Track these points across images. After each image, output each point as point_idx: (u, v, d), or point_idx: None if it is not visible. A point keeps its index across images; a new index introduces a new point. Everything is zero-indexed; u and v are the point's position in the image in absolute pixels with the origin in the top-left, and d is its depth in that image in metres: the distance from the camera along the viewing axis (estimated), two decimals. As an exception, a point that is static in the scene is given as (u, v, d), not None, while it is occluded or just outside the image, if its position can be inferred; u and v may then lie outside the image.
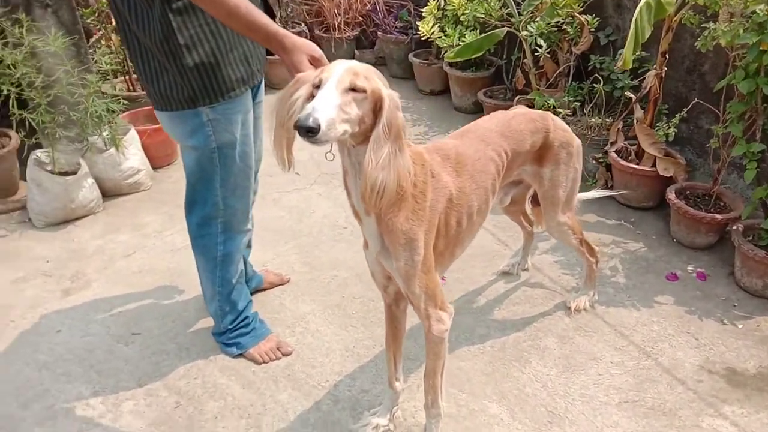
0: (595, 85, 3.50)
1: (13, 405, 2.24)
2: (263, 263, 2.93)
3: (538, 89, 3.90)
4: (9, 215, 3.50)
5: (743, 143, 2.61)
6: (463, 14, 3.99)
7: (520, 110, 2.16)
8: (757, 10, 2.38)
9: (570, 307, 2.59)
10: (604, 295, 2.70)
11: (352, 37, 5.68)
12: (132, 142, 3.64)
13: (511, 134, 1.99)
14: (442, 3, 4.15)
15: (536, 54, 3.76)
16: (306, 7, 5.72)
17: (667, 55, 3.02)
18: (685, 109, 3.09)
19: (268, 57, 5.49)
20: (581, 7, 3.57)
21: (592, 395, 2.21)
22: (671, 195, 2.98)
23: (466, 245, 1.97)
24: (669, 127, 3.04)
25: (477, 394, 2.23)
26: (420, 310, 1.78)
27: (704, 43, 2.59)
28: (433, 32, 4.07)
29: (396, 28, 5.35)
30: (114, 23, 3.48)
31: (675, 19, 2.94)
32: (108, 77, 3.67)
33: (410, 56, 5.03)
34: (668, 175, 3.09)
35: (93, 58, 3.38)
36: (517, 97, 4.00)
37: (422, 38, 4.21)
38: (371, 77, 1.45)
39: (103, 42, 3.95)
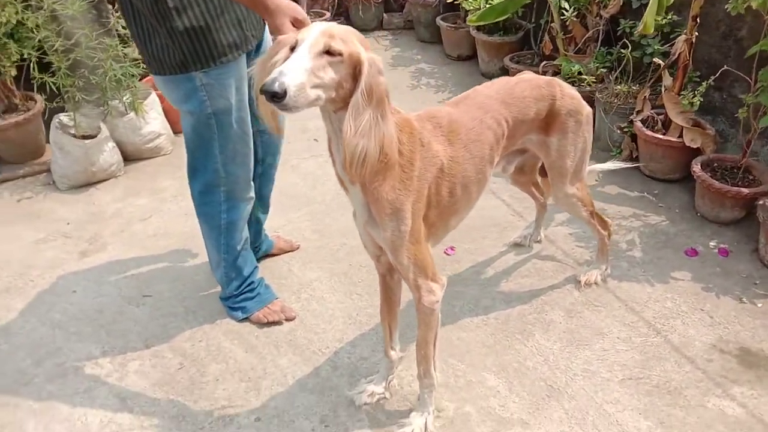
0: (622, 51, 3.33)
1: (27, 361, 2.32)
2: (275, 229, 2.94)
3: (566, 55, 3.75)
4: (35, 177, 3.60)
5: (773, 113, 2.46)
6: (489, -25, 3.86)
7: (525, 76, 2.07)
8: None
9: (580, 281, 2.51)
10: (618, 270, 2.61)
11: (380, 0, 5.56)
12: (153, 106, 3.67)
13: (514, 101, 1.91)
14: (469, -36, 4.01)
15: (563, 18, 3.60)
16: (333, -30, 5.62)
17: (698, 19, 2.84)
18: (713, 77, 2.92)
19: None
20: (612, -34, 3.40)
21: (594, 371, 2.16)
22: (696, 167, 2.84)
23: (463, 215, 1.92)
24: (694, 96, 2.88)
25: (476, 366, 2.20)
26: (409, 281, 1.75)
27: (735, 5, 2.43)
28: (459, -6, 3.94)
29: (424, -10, 5.22)
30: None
31: (708, -21, 2.76)
32: (128, 41, 3.68)
33: (438, 19, 4.90)
34: (695, 147, 2.94)
35: (119, 21, 3.39)
36: (543, 63, 3.86)
37: (450, 1, 4.09)
38: (350, 40, 1.40)
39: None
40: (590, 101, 3.54)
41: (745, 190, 2.68)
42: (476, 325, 2.38)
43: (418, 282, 1.75)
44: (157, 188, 3.43)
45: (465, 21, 4.68)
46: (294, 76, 1.30)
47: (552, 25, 3.75)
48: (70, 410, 2.12)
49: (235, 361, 2.28)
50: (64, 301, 2.62)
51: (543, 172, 2.39)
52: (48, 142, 3.56)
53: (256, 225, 2.64)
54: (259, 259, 2.75)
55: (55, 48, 3.18)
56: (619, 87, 3.33)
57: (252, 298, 2.46)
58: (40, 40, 3.21)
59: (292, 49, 1.39)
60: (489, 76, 4.53)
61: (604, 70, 3.48)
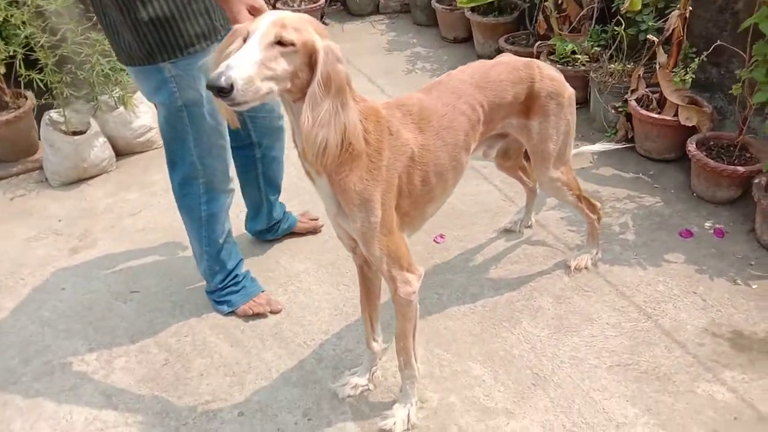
0: (616, 28, 3.24)
1: (15, 360, 2.33)
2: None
3: (560, 34, 3.66)
4: (29, 175, 3.60)
5: (767, 90, 2.37)
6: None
7: (503, 58, 2.01)
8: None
9: (570, 266, 2.46)
10: (610, 253, 2.56)
11: (375, -15, 5.48)
12: (143, 100, 3.64)
13: (489, 85, 1.86)
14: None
15: (556, -5, 3.51)
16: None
17: (691, -8, 2.75)
18: (706, 53, 2.82)
19: (283, 9, 5.37)
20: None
21: (582, 357, 2.12)
22: (691, 146, 2.76)
23: (440, 203, 1.88)
24: (686, 73, 2.80)
25: (462, 355, 2.17)
26: (383, 273, 1.72)
27: (725, -24, 2.33)
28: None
29: (419, -27, 5.12)
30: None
31: (701, -50, 2.67)
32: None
33: (433, 1, 4.82)
34: (691, 125, 2.86)
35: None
36: (538, 43, 3.78)
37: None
38: (303, 28, 1.36)
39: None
40: (585, 81, 3.47)
41: (741, 169, 2.60)
42: (463, 313, 2.35)
43: (392, 273, 1.71)
44: (147, 182, 3.42)
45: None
46: (241, 70, 1.26)
47: (546, 3, 3.66)
48: (56, 408, 2.12)
49: (220, 355, 2.27)
50: (54, 298, 2.63)
51: (527, 156, 2.34)
52: (40, 139, 3.56)
53: (268, 206, 2.64)
54: (281, 237, 2.79)
55: (41, 44, 3.16)
56: (613, 66, 3.25)
57: (237, 291, 2.45)
58: (26, 37, 3.19)
59: (246, 39, 1.35)
60: (485, 58, 4.40)
61: (599, 49, 3.39)
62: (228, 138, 2.18)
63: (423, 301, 2.40)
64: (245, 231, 2.82)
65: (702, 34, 3.14)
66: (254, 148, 2.47)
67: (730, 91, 2.67)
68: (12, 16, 3.16)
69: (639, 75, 3.09)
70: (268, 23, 1.34)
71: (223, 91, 1.24)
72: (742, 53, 2.65)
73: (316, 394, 2.08)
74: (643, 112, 2.98)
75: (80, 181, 3.45)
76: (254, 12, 1.60)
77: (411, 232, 1.83)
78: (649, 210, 2.80)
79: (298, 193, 3.17)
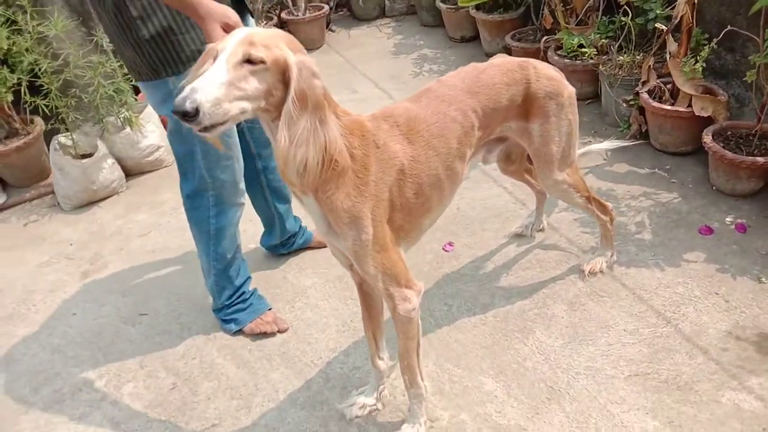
0: (623, 18, 3.13)
1: (26, 389, 2.33)
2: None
3: (567, 27, 3.56)
4: (42, 200, 3.64)
5: (783, 74, 2.25)
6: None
7: (496, 60, 1.93)
8: None
9: (584, 271, 2.37)
10: (626, 255, 2.46)
11: (380, -12, 5.43)
12: (149, 119, 3.65)
13: (481, 89, 1.78)
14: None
15: (560, -12, 3.41)
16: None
17: (699, -23, 2.63)
18: (716, 40, 2.70)
19: (289, 18, 5.37)
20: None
21: (598, 368, 2.02)
22: (707, 138, 2.64)
23: (437, 214, 1.81)
24: (696, 62, 2.68)
25: (473, 369, 2.10)
26: (380, 291, 1.66)
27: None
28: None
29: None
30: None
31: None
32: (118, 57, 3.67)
33: (437, 2, 4.74)
34: (706, 115, 2.74)
35: (102, 38, 3.38)
36: (545, 38, 3.67)
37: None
38: (274, 45, 1.31)
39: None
40: (594, 75, 3.37)
41: (761, 159, 2.48)
42: (474, 324, 2.27)
43: (390, 291, 1.65)
44: (157, 202, 3.42)
45: (464, 1, 4.51)
46: (207, 92, 1.22)
47: (550, -4, 3.56)
48: (65, 438, 2.11)
49: (227, 377, 2.24)
50: (64, 324, 2.63)
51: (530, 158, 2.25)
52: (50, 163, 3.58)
53: (279, 218, 2.62)
54: (296, 251, 2.78)
55: (44, 70, 3.18)
56: (622, 58, 3.14)
57: (244, 309, 2.42)
58: (30, 63, 3.22)
59: (214, 60, 1.31)
60: (493, 56, 4.35)
61: (607, 41, 3.28)
62: (238, 150, 2.15)
63: (433, 314, 2.34)
64: (260, 245, 2.79)
65: (714, 19, 3.01)
66: (255, 160, 2.44)
67: (745, 78, 2.55)
68: (14, 44, 3.19)
69: (649, 66, 2.98)
70: (235, 42, 1.29)
71: (188, 116, 1.20)
72: (755, 37, 2.52)
73: (324, 416, 2.03)
74: (656, 104, 2.87)
75: (91, 203, 3.47)
76: (228, 29, 1.56)
77: (408, 245, 1.77)
78: (666, 207, 2.68)
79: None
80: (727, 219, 2.55)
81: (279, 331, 2.37)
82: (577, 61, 3.40)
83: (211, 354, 2.35)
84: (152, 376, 2.30)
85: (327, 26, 5.34)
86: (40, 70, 3.19)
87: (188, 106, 1.20)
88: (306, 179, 1.37)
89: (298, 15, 5.01)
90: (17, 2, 3.23)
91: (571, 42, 3.34)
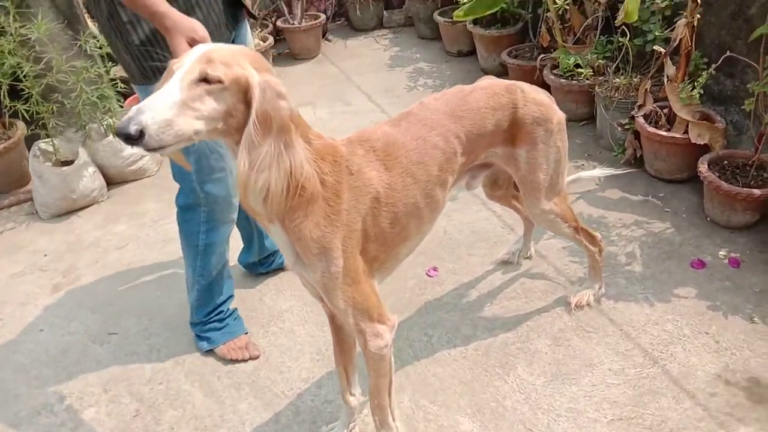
0: (621, 39, 3.04)
1: (-16, 410, 2.23)
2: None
3: (564, 46, 3.47)
4: (20, 206, 3.54)
5: (782, 105, 2.16)
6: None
7: (483, 83, 1.84)
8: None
9: (570, 303, 2.27)
10: (614, 287, 2.36)
11: (378, -2, 5.36)
12: (134, 127, 3.55)
13: (466, 114, 1.69)
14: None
15: (557, 6, 3.32)
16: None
17: (699, 0, 2.54)
18: (714, 66, 2.61)
19: (285, 27, 5.28)
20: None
21: (580, 410, 1.92)
22: (703, 166, 2.55)
23: (415, 244, 1.72)
24: (693, 88, 2.59)
25: (450, 407, 2.00)
26: (350, 326, 1.57)
27: (732, -15, 2.13)
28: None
29: (422, -15, 4.98)
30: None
31: (709, -45, 2.46)
32: (106, 62, 3.58)
33: (435, 14, 4.66)
34: (703, 143, 2.65)
35: (86, 42, 3.28)
36: (541, 57, 3.59)
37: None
38: (235, 63, 1.22)
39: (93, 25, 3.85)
40: (590, 96, 3.28)
41: (758, 192, 2.39)
42: (453, 358, 2.17)
43: (360, 326, 1.56)
44: (138, 212, 3.32)
45: (461, 15, 4.43)
46: (155, 113, 1.14)
47: (548, 14, 3.47)
48: (18, 467, 2.01)
49: (193, 406, 2.14)
50: (31, 340, 2.53)
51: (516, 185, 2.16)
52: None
53: (258, 235, 2.54)
54: (274, 271, 2.70)
55: (25, 73, 3.09)
56: (619, 79, 3.05)
57: (219, 329, 2.33)
58: (12, 66, 3.12)
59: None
60: (489, 72, 4.27)
61: (603, 61, 3.19)
62: (229, 163, 2.07)
63: (412, 344, 2.25)
64: (237, 263, 2.69)
65: (715, 43, 2.92)
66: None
67: (743, 107, 2.46)
68: (-1, 46, 3.10)
69: (646, 89, 2.89)
70: (193, 59, 1.21)
71: (132, 138, 1.11)
72: (756, 65, 2.43)
73: (290, 452, 1.93)
74: (651, 129, 2.78)
75: (71, 212, 3.38)
76: (194, 44, 1.47)
77: (383, 276, 1.68)
78: (658, 237, 2.59)
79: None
80: (721, 252, 2.45)
81: (251, 358, 2.28)
82: (573, 81, 3.31)
83: (178, 379, 2.25)
84: (115, 402, 2.20)
85: (323, 36, 5.26)
86: (22, 73, 3.10)
87: (132, 129, 1.11)
88: (270, 207, 1.29)
89: (294, 23, 4.93)
90: (1, 3, 3.14)
91: (567, 61, 3.25)
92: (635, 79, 3.05)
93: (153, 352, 2.39)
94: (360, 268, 1.53)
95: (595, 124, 3.30)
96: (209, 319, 2.32)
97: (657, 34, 2.93)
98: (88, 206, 3.42)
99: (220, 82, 1.20)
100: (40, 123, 3.23)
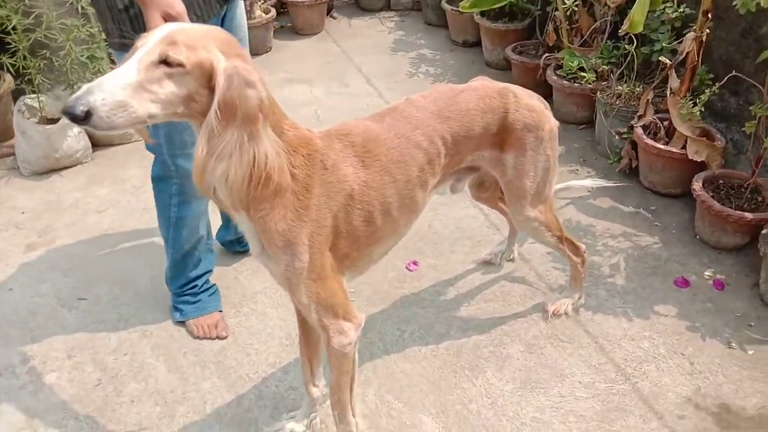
0: (627, 46, 2.98)
1: (-58, 366, 2.19)
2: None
3: (570, 47, 3.40)
4: (2, 161, 3.46)
5: (783, 130, 2.11)
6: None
7: (475, 83, 1.78)
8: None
9: (547, 311, 2.24)
10: (595, 298, 2.32)
11: (388, -21, 5.25)
12: (125, 89, 3.47)
13: (454, 114, 1.63)
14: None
15: (566, 6, 3.25)
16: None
17: (710, 15, 2.48)
18: (718, 84, 2.55)
19: (288, 0, 5.14)
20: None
21: (546, 421, 1.89)
22: (697, 184, 2.51)
23: (389, 244, 1.67)
24: (695, 104, 2.53)
25: (414, 405, 1.97)
26: (313, 321, 1.52)
27: (744, 2, 2.07)
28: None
29: (433, -31, 4.87)
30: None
31: (724, -31, 2.39)
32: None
33: (443, 2, 4.57)
34: (700, 160, 2.60)
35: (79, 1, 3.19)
36: (545, 56, 3.52)
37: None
38: (201, 46, 1.16)
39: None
40: (591, 100, 3.22)
41: (749, 215, 2.34)
42: (424, 355, 2.14)
43: (324, 322, 1.52)
44: (121, 177, 3.26)
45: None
46: (106, 94, 1.08)
47: (556, 13, 3.40)
48: (-29, 427, 1.97)
49: (156, 380, 2.10)
50: (-1, 299, 2.48)
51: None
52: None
53: None
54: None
55: (13, 26, 3.00)
56: (621, 87, 2.99)
57: (192, 302, 2.31)
58: (0, 18, 3.03)
59: (137, 56, 1.16)
60: (493, 66, 4.21)
61: (608, 67, 3.12)
62: None
63: (383, 338, 2.21)
64: (215, 239, 2.64)
65: (722, 59, 2.86)
66: None
67: (743, 129, 2.41)
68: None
69: (648, 100, 2.83)
70: (156, 39, 1.14)
71: (78, 119, 1.06)
72: (758, 85, 2.38)
73: (249, 437, 1.89)
74: (648, 141, 2.72)
75: (53, 171, 3.30)
76: (169, 19, 1.40)
77: (354, 275, 1.63)
78: (645, 251, 2.55)
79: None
80: (706, 273, 2.42)
81: (218, 338, 2.24)
82: (575, 84, 3.25)
83: (144, 352, 2.21)
84: (78, 369, 2.16)
85: (328, 12, 5.16)
86: (10, 25, 3.01)
87: (78, 109, 1.06)
88: (229, 196, 1.24)
89: (298, -4, 4.83)
90: (-6, -49, 3.04)
91: (571, 63, 3.18)
92: (638, 88, 2.99)
93: (121, 322, 2.34)
94: (327, 265, 1.48)
95: (593, 129, 3.25)
96: (183, 291, 2.30)
97: (665, 44, 2.87)
98: (72, 166, 3.34)
99: (180, 65, 1.14)
100: (26, 78, 3.15)
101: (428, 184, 1.64)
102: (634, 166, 2.93)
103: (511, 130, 1.74)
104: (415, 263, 2.55)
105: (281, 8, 4.99)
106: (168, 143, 1.96)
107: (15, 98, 3.41)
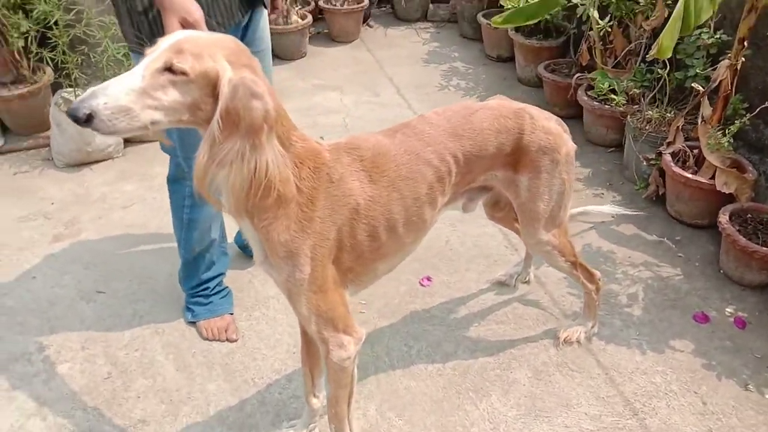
0: (659, 71, 2.92)
1: (-38, 348, 2.26)
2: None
3: (603, 68, 3.35)
4: (38, 151, 3.57)
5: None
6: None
7: (492, 102, 1.76)
8: None
9: (559, 337, 2.20)
10: (609, 328, 2.27)
11: (426, -10, 5.26)
12: (159, 88, 3.55)
13: (467, 133, 1.62)
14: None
15: (600, 27, 3.20)
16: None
17: (746, 43, 2.41)
18: (749, 114, 2.48)
19: (326, 7, 5.20)
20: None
21: (548, 451, 1.86)
22: (723, 217, 2.44)
23: (394, 261, 1.66)
24: (724, 134, 2.46)
25: (415, 424, 1.95)
26: (312, 333, 1.53)
27: (781, 33, 2.01)
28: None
29: (471, -18, 4.86)
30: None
31: (763, -3, 2.33)
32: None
33: (479, 15, 4.55)
34: (728, 192, 2.53)
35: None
36: (577, 75, 3.47)
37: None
38: (207, 55, 1.17)
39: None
40: (621, 124, 3.16)
41: (776, 253, 2.27)
42: (429, 374, 2.12)
43: (323, 335, 1.52)
44: (149, 174, 3.32)
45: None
46: (110, 98, 1.11)
47: (590, 33, 3.35)
48: (-16, 411, 2.03)
49: (163, 378, 2.13)
50: (22, 287, 2.55)
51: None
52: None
53: None
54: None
55: (55, 21, 3.10)
56: (651, 112, 2.93)
57: (204, 304, 2.34)
58: (43, 13, 3.14)
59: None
60: (525, 83, 4.17)
61: (640, 90, 3.06)
62: None
63: (390, 353, 2.20)
64: (234, 242, 2.68)
65: (759, 88, 2.78)
66: None
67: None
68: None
69: (678, 126, 2.77)
70: (164, 46, 1.17)
71: (80, 121, 1.09)
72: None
73: (248, 443, 1.91)
74: (676, 169, 2.66)
75: (84, 164, 3.39)
76: (186, 26, 1.43)
77: (357, 289, 1.63)
78: (665, 283, 2.48)
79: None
80: (728, 309, 2.34)
81: (227, 341, 2.26)
82: (606, 106, 3.20)
83: (154, 349, 2.25)
84: (90, 361, 2.21)
85: (365, 21, 5.19)
86: (53, 20, 3.11)
87: (81, 112, 1.09)
88: (229, 204, 1.26)
89: (335, 5, 4.86)
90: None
91: (602, 85, 3.13)
92: (669, 114, 2.92)
93: (136, 318, 2.39)
94: (329, 277, 1.48)
95: (622, 152, 3.19)
96: (195, 292, 2.33)
97: (699, 71, 2.80)
98: (103, 161, 3.43)
99: (184, 74, 1.16)
100: (65, 72, 3.25)
101: (437, 202, 1.63)
102: (661, 193, 2.87)
103: (526, 152, 1.72)
104: (428, 279, 2.53)
105: (318, 14, 5.04)
106: (181, 145, 1.97)
107: (53, 91, 3.51)
